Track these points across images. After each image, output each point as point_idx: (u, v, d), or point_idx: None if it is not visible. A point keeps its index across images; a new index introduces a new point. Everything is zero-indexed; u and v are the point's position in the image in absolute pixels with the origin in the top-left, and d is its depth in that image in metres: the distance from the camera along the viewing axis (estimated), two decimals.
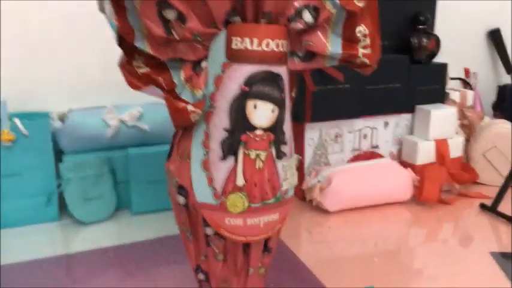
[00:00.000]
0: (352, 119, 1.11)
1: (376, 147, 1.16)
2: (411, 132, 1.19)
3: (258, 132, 0.61)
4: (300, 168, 1.07)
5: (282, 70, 0.61)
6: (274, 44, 0.59)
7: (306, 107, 1.03)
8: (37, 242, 0.92)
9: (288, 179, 0.66)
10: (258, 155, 0.61)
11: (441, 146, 1.13)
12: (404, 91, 1.15)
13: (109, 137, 1.02)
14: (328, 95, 1.05)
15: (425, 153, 1.13)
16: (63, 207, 1.00)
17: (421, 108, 1.15)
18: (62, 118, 1.02)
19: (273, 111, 0.61)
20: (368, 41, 0.65)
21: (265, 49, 0.59)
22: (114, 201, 1.03)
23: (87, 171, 0.98)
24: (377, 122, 1.14)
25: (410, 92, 1.15)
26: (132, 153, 1.01)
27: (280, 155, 0.63)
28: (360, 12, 0.62)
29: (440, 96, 1.19)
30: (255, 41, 0.58)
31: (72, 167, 0.97)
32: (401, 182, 1.09)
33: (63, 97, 1.09)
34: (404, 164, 1.15)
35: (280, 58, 0.61)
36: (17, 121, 0.93)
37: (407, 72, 1.14)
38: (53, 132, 0.99)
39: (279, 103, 0.61)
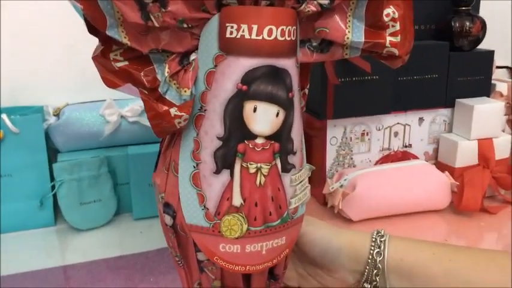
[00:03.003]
0: (382, 114, 1.00)
1: (409, 146, 1.05)
2: (450, 129, 1.07)
3: (259, 141, 0.49)
4: (322, 169, 0.96)
5: (289, 64, 0.49)
6: (278, 32, 0.48)
7: (328, 101, 0.93)
8: (30, 250, 0.85)
9: (297, 195, 0.55)
10: (259, 169, 0.50)
11: (485, 146, 1.01)
12: (443, 83, 1.03)
13: (108, 134, 0.94)
14: (353, 88, 0.94)
15: (467, 154, 1.02)
16: (59, 211, 0.92)
17: (462, 102, 1.04)
18: (57, 113, 0.94)
19: (277, 114, 0.50)
20: (398, 26, 0.53)
21: (267, 38, 0.47)
22: (113, 205, 0.94)
23: (84, 172, 0.90)
24: (410, 118, 1.03)
25: (450, 83, 1.04)
26: (133, 152, 0.92)
27: (287, 167, 0.52)
28: None
29: (484, 89, 1.07)
30: (255, 28, 0.47)
31: (68, 167, 0.89)
32: (438, 188, 0.97)
33: (60, 90, 1.01)
34: (442, 167, 1.03)
35: (286, 49, 0.49)
36: (5, 117, 0.85)
37: (447, 61, 1.03)
38: (46, 129, 0.92)
39: (286, 105, 0.50)
